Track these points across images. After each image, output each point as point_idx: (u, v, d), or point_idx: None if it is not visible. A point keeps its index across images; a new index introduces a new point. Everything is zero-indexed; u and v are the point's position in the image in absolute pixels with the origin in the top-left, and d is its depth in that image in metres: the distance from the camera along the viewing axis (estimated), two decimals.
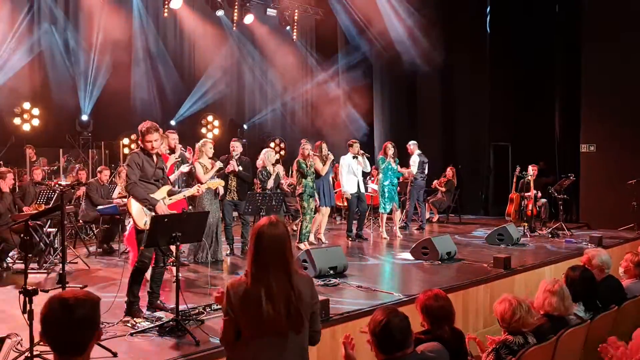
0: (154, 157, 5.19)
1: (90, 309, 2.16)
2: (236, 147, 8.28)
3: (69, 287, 4.22)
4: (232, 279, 2.77)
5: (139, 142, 5.23)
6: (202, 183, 7.23)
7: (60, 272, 4.67)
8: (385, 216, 10.09)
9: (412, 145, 11.29)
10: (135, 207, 5.02)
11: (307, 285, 2.76)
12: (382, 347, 2.84)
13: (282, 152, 16.07)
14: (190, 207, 7.42)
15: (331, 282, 6.34)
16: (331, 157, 9.27)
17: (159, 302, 5.15)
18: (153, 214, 4.97)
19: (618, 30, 11.55)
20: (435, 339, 3.24)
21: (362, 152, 9.85)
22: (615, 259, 5.52)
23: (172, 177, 7.04)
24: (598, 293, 4.35)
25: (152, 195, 5.07)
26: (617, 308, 4.21)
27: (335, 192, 12.75)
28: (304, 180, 8.85)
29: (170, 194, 5.24)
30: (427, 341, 3.18)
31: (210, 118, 15.38)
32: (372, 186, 11.41)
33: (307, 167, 8.86)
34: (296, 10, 16.42)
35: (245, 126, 15.77)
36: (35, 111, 12.12)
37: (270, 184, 8.45)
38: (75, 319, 2.10)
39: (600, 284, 4.51)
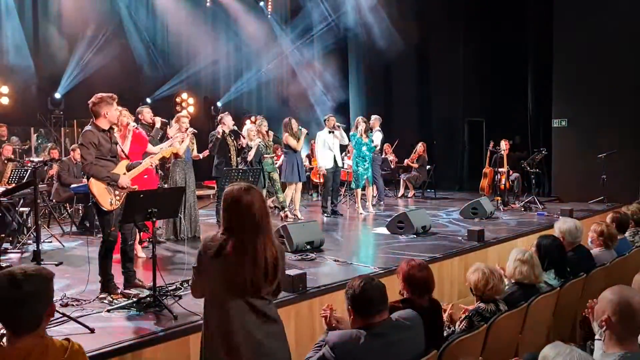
0: (108, 133, 4.95)
1: (40, 283, 2.14)
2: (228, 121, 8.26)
3: (44, 264, 4.19)
4: (207, 237, 2.80)
5: (96, 115, 4.88)
6: (179, 156, 7.23)
7: (36, 250, 4.65)
8: (359, 192, 10.17)
9: (375, 119, 11.14)
10: (97, 187, 4.82)
11: (281, 251, 2.85)
12: (358, 312, 2.90)
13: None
14: (163, 183, 7.39)
15: (308, 256, 6.40)
16: (304, 131, 9.27)
17: (136, 280, 5.13)
18: (117, 192, 4.88)
19: (590, 6, 11.66)
20: (414, 308, 3.31)
21: (337, 124, 9.87)
22: (585, 230, 5.67)
23: (156, 149, 6.98)
24: (569, 262, 4.46)
25: (112, 172, 4.91)
26: (585, 276, 4.33)
27: (312, 168, 12.85)
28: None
29: (129, 168, 5.11)
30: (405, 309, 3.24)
31: (184, 95, 15.23)
32: (348, 162, 11.46)
33: (265, 147, 8.87)
34: None
35: (219, 103, 15.63)
36: (5, 89, 11.84)
37: (251, 156, 8.45)
38: (22, 295, 2.08)
39: (570, 253, 4.63)
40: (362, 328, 2.85)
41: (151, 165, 5.88)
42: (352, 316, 2.95)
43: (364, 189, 10.26)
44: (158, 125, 7.23)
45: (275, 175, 9.01)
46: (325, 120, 9.99)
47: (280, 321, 2.88)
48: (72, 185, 8.48)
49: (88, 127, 4.90)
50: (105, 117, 4.87)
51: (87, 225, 8.41)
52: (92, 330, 4.02)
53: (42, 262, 4.24)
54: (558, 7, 12.17)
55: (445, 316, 3.75)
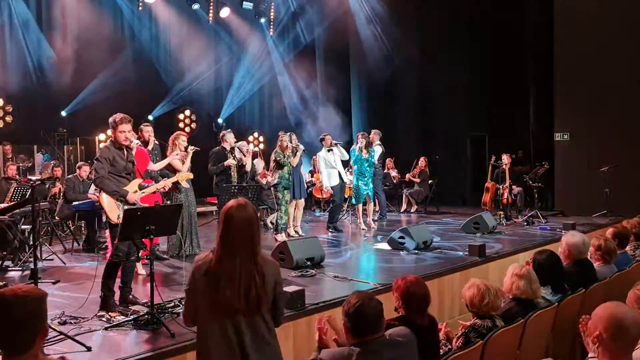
0: (125, 151, 5.16)
1: (31, 305, 2.12)
2: (230, 138, 8.32)
3: (41, 283, 4.19)
4: (199, 256, 2.80)
5: (111, 133, 5.18)
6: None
7: (34, 268, 4.64)
8: (360, 207, 10.17)
9: (374, 133, 11.12)
10: (107, 201, 5.00)
11: (273, 270, 2.80)
12: (354, 330, 2.87)
13: (262, 146, 16.08)
14: (167, 201, 7.41)
15: (308, 272, 6.39)
16: (301, 147, 9.29)
17: (131, 296, 5.14)
18: (126, 207, 4.95)
19: (590, 20, 11.70)
20: (413, 325, 3.27)
21: (334, 142, 9.92)
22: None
23: (157, 166, 7.00)
24: (570, 275, 4.43)
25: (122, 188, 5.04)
26: (584, 291, 4.30)
27: (314, 185, 12.85)
28: (280, 171, 8.87)
29: (141, 187, 5.23)
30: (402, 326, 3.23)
31: (187, 112, 15.31)
32: (350, 177, 11.45)
33: (284, 157, 8.89)
34: (272, 3, 16.38)
35: (220, 120, 15.68)
36: (8, 107, 11.94)
37: (248, 167, 8.49)
38: (13, 317, 2.07)
39: (573, 266, 4.60)
40: (356, 345, 2.83)
41: (164, 189, 5.96)
42: (346, 332, 2.93)
43: (365, 204, 10.26)
44: (151, 146, 7.26)
45: (288, 196, 8.97)
46: (321, 140, 10.06)
47: (275, 343, 2.82)
48: (74, 203, 8.52)
49: (106, 143, 5.21)
50: (118, 135, 5.08)
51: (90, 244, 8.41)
52: (89, 349, 4.02)
53: (39, 280, 4.23)
54: (558, 21, 12.22)
55: (441, 334, 3.72)
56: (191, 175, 7.07)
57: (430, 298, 3.53)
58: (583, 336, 2.45)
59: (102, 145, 5.28)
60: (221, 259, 2.68)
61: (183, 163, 7.38)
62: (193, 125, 15.36)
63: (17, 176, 9.36)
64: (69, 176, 9.20)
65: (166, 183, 5.72)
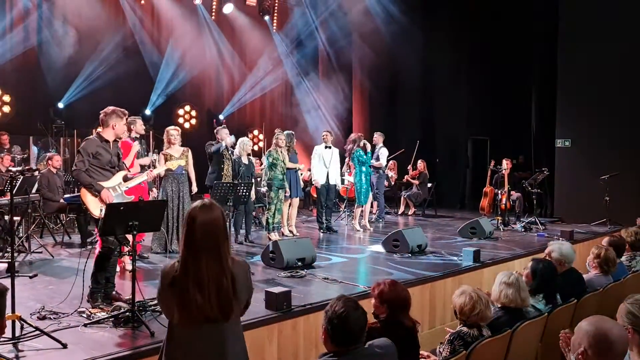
0: (110, 144, 5.11)
1: None
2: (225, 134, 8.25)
3: (18, 276, 4.10)
4: (167, 264, 2.68)
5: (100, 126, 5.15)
6: (170, 170, 7.12)
7: (24, 260, 4.56)
8: (359, 208, 10.03)
9: (377, 136, 11.10)
10: (88, 196, 4.94)
11: (243, 271, 2.68)
12: (335, 337, 2.76)
13: (261, 144, 16.00)
14: (156, 193, 7.33)
15: (298, 273, 6.29)
16: (299, 166, 9.28)
17: (114, 292, 5.05)
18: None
19: (594, 26, 11.56)
20: (400, 325, 3.28)
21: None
22: (586, 253, 5.52)
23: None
24: (558, 286, 4.32)
25: (107, 182, 4.98)
26: (576, 301, 4.18)
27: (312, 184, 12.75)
28: (272, 172, 8.72)
29: (126, 179, 5.15)
30: (388, 330, 3.17)
31: (187, 108, 15.20)
32: (349, 179, 11.33)
33: (279, 157, 8.75)
34: (276, 0, 16.30)
35: (221, 116, 15.56)
36: (6, 98, 11.87)
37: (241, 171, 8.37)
38: None
39: (560, 277, 4.48)
40: (333, 354, 2.73)
41: (149, 178, 5.87)
42: (325, 337, 2.81)
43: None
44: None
45: (282, 195, 8.82)
46: (323, 137, 9.95)
47: (245, 349, 2.73)
48: (65, 196, 8.42)
49: (91, 136, 5.15)
50: (112, 129, 5.07)
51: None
52: (64, 346, 3.93)
53: (16, 274, 4.15)
54: (563, 28, 12.09)
55: None
56: (183, 163, 6.97)
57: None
58: (564, 352, 2.35)
59: (88, 137, 5.15)
60: (186, 264, 2.54)
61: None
62: (193, 121, 15.24)
63: (14, 166, 9.26)
64: (43, 171, 8.57)
65: (149, 175, 5.62)
